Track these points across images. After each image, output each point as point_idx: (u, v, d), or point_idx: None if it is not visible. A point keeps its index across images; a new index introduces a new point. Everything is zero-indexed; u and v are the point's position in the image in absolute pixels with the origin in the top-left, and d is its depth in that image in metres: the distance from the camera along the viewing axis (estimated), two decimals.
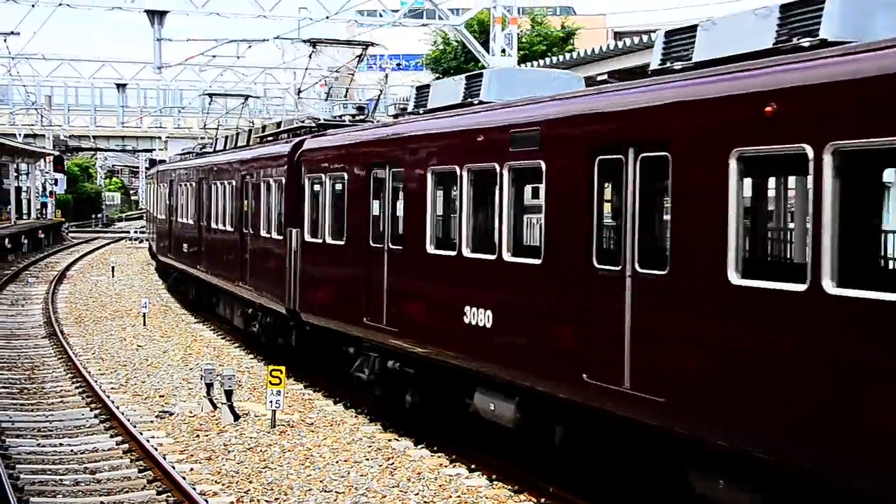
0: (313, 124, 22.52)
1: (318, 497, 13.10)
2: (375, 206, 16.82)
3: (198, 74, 65.49)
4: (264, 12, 39.38)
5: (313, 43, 25.35)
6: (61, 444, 15.94)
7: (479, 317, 13.37)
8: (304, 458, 14.94)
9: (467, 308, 13.57)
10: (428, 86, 17.00)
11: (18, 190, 74.53)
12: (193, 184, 31.97)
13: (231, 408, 17.28)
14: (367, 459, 14.83)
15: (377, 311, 16.29)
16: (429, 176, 14.91)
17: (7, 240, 54.20)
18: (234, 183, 25.94)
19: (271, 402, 16.66)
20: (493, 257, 13.17)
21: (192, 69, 61.76)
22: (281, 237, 21.16)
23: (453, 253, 14.12)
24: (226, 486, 13.54)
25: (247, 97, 40.12)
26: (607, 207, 11.92)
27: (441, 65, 49.30)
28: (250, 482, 13.68)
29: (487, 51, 36.83)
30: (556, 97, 12.65)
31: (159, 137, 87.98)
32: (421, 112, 16.61)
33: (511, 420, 13.23)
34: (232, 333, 27.39)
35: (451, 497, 13.11)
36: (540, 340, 12.19)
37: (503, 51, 35.83)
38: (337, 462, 14.71)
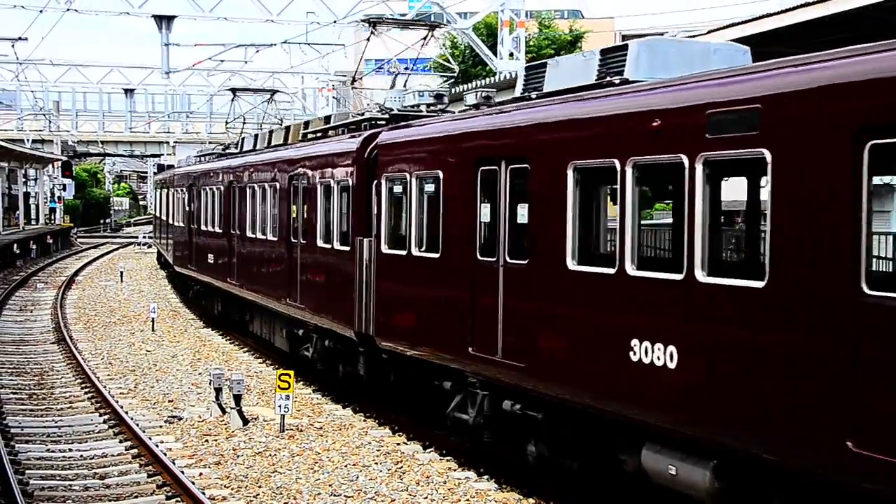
0: (384, 115, 19.09)
1: (328, 501, 13.08)
2: (484, 211, 13.81)
3: (206, 79, 65.65)
4: (272, 17, 39.50)
5: (373, 22, 22.29)
6: (71, 450, 15.95)
7: (655, 354, 10.44)
8: (313, 462, 14.93)
9: (635, 342, 10.64)
10: (543, 64, 13.88)
11: (27, 195, 74.84)
12: (221, 188, 28.47)
13: (240, 412, 17.27)
14: (376, 463, 14.81)
15: (488, 339, 13.35)
16: (569, 173, 11.79)
17: (16, 245, 54.31)
18: (278, 186, 22.44)
19: (280, 406, 16.64)
20: (678, 277, 10.18)
21: (200, 74, 61.94)
22: (347, 248, 17.95)
23: (611, 270, 11.08)
24: (235, 490, 13.54)
25: (273, 92, 37.00)
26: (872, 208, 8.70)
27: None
28: (259, 486, 13.68)
29: (495, 54, 36.86)
30: (793, 63, 9.37)
31: (167, 142, 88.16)
32: (534, 96, 13.50)
33: (705, 490, 10.20)
34: (241, 339, 27.34)
35: (459, 501, 13.10)
36: (766, 391, 9.20)
37: (511, 54, 35.84)
38: (346, 466, 14.70)
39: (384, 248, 16.57)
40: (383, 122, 18.65)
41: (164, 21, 39.77)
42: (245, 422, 17.18)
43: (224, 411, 17.85)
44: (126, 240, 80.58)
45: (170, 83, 63.57)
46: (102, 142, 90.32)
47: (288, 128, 25.17)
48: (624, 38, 70.72)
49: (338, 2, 40.57)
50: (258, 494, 13.34)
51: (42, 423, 17.81)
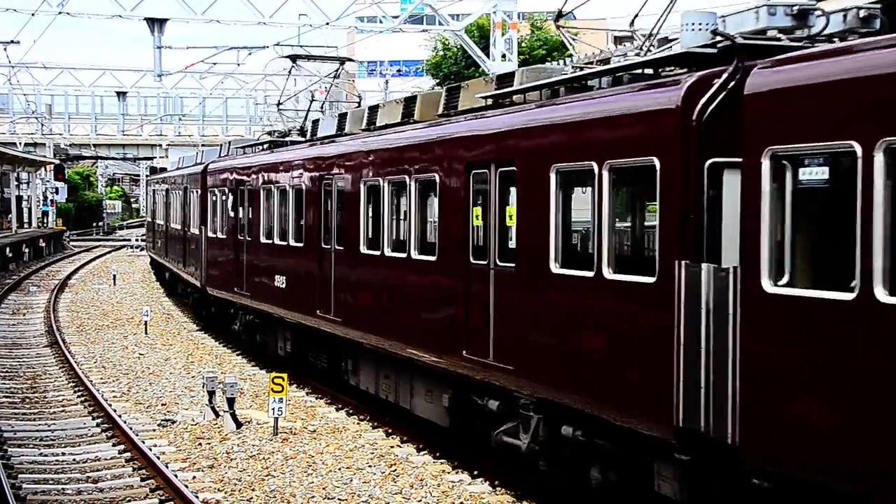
0: (706, 50, 10.85)
1: None
2: None
3: (198, 82, 65.64)
4: (264, 19, 39.48)
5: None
6: (63, 454, 15.92)
7: None
8: (306, 465, 14.92)
9: None
10: None
11: (19, 199, 74.62)
12: (302, 186, 20.86)
13: (233, 415, 17.25)
14: (370, 466, 14.80)
15: None
16: None
17: (8, 249, 54.20)
18: (438, 180, 15.06)
19: (273, 409, 16.63)
20: None
21: (193, 76, 61.89)
22: (649, 280, 10.55)
23: None
24: (228, 493, 13.53)
25: (343, 60, 28.37)
26: None
27: (441, 70, 49.45)
28: (253, 490, 13.67)
29: (488, 56, 36.90)
30: None
31: (160, 145, 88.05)
32: None
33: None
34: (234, 341, 27.15)
35: (453, 503, 13.09)
36: None
37: (503, 56, 35.89)
38: (340, 469, 14.69)
39: (769, 286, 9.10)
40: (678, 70, 11.53)
41: (156, 24, 39.70)
42: (238, 425, 17.17)
43: (217, 414, 17.83)
44: (119, 243, 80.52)
45: (162, 86, 63.51)
46: (95, 145, 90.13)
47: (411, 98, 17.78)
48: (616, 39, 70.75)
49: (330, 4, 40.60)
50: (252, 498, 13.33)
51: (35, 427, 17.78)
